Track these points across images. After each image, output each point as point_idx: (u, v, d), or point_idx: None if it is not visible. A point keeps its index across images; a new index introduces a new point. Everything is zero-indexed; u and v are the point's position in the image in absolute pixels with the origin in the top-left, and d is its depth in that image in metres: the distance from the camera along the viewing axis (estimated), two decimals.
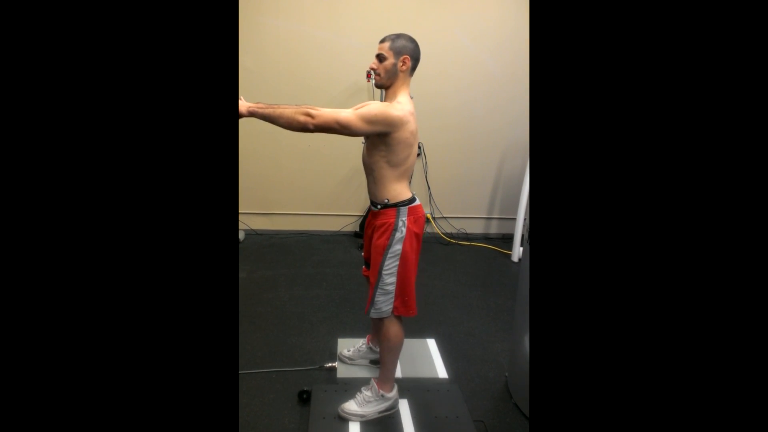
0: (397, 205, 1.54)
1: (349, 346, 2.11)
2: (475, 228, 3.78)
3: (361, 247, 3.12)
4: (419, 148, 3.41)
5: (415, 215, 1.56)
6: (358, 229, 3.63)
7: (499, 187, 3.68)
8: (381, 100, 1.62)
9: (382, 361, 1.71)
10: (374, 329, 1.98)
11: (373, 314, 1.62)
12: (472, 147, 3.54)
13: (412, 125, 1.46)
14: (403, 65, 1.48)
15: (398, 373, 1.96)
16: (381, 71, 1.49)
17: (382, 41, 1.50)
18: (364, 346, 2.05)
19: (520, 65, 3.33)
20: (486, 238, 3.76)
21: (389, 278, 1.57)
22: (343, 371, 2.00)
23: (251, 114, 1.41)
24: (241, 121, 1.53)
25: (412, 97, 1.53)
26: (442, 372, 2.03)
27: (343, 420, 1.68)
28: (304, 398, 1.78)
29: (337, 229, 3.68)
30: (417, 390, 1.87)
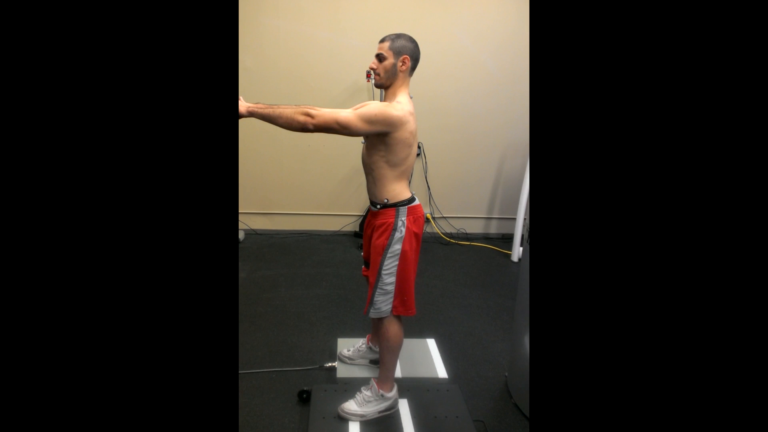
0: (397, 205, 1.54)
1: (349, 345, 2.11)
2: (475, 228, 3.78)
3: (360, 247, 3.12)
4: (419, 147, 3.42)
5: (415, 215, 1.57)
6: (357, 229, 3.63)
7: (499, 187, 3.68)
8: (381, 100, 1.62)
9: (381, 360, 1.72)
10: (374, 329, 1.98)
11: (372, 314, 1.62)
12: (472, 147, 3.54)
13: (411, 125, 1.47)
14: (402, 65, 1.48)
15: (398, 373, 1.96)
16: (381, 71, 1.49)
17: (382, 41, 1.50)
18: (363, 345, 2.05)
19: (520, 66, 3.34)
20: (486, 238, 3.77)
21: (388, 278, 1.57)
22: (342, 371, 2.00)
23: (251, 114, 1.41)
24: (241, 121, 1.53)
25: (411, 97, 1.53)
26: (441, 372, 2.03)
27: (343, 420, 1.69)
28: (304, 398, 1.78)
29: (337, 229, 3.68)
30: (417, 390, 1.87)
